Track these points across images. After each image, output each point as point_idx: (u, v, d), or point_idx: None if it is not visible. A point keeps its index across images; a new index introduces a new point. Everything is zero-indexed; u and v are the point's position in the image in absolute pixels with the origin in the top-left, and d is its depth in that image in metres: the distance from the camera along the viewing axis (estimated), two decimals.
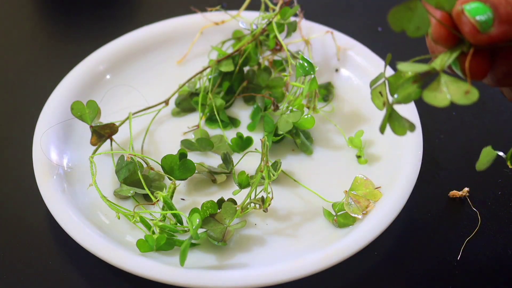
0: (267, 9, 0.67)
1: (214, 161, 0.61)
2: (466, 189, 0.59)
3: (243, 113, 0.65)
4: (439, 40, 0.41)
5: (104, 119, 0.59)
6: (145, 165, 0.59)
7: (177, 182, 0.56)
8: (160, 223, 0.53)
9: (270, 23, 0.65)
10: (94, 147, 0.58)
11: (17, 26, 0.77)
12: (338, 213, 0.55)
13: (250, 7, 0.68)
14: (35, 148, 0.58)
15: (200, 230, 0.54)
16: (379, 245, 0.54)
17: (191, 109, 0.65)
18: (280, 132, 0.60)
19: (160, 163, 0.57)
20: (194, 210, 0.53)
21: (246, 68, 0.66)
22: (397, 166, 0.57)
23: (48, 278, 0.54)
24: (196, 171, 0.57)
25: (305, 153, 0.61)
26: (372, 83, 0.44)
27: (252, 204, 0.54)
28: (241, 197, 0.55)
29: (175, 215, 0.54)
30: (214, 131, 0.63)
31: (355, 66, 0.67)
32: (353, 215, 0.54)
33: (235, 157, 0.61)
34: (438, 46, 0.44)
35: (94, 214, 0.56)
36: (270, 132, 0.61)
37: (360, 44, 0.67)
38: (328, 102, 0.65)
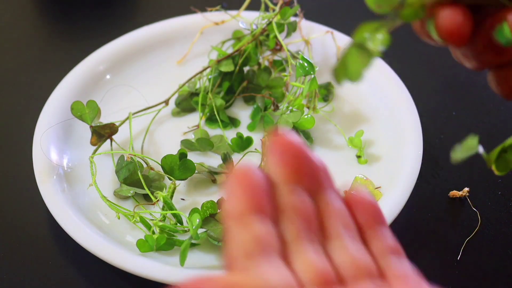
0: (267, 9, 0.67)
1: (214, 161, 0.61)
2: (466, 189, 0.59)
3: (243, 113, 0.65)
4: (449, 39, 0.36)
5: (104, 119, 0.59)
6: (145, 165, 0.59)
7: (177, 182, 0.56)
8: (160, 223, 0.53)
9: (270, 23, 0.65)
10: (94, 147, 0.58)
11: (17, 26, 0.77)
12: None
13: (250, 7, 0.68)
14: (35, 148, 0.58)
15: (200, 230, 0.54)
16: None
17: (191, 109, 0.65)
18: None
19: (160, 163, 0.57)
20: (194, 210, 0.53)
21: (246, 68, 0.66)
22: (397, 166, 0.57)
23: (48, 278, 0.54)
24: (196, 171, 0.57)
25: None
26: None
27: None
28: None
29: (175, 215, 0.54)
30: (214, 131, 0.63)
31: None
32: None
33: (235, 157, 0.61)
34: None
35: (94, 214, 0.56)
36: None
37: None
38: (328, 102, 0.65)
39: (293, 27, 0.66)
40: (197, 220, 0.51)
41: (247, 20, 0.68)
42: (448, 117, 0.66)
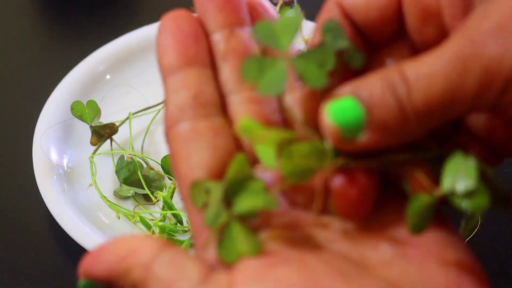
0: None
1: None
2: None
3: None
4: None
5: (104, 119, 0.59)
6: (145, 165, 0.59)
7: None
8: (160, 223, 0.53)
9: None
10: (94, 147, 0.58)
11: (17, 26, 0.77)
12: None
13: None
14: (35, 148, 0.58)
15: None
16: None
17: None
18: None
19: (160, 163, 0.57)
20: None
21: None
22: None
23: (48, 278, 0.54)
24: None
25: None
26: None
27: None
28: None
29: (175, 215, 0.54)
30: None
31: None
32: None
33: None
34: None
35: (94, 214, 0.56)
36: None
37: None
38: None
39: None
40: None
41: None
42: None
